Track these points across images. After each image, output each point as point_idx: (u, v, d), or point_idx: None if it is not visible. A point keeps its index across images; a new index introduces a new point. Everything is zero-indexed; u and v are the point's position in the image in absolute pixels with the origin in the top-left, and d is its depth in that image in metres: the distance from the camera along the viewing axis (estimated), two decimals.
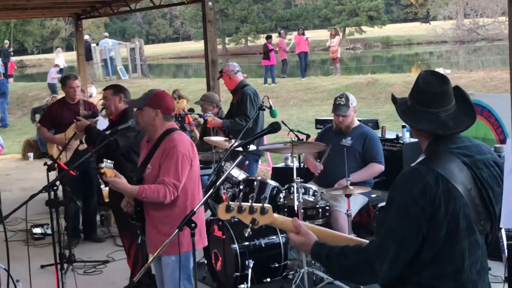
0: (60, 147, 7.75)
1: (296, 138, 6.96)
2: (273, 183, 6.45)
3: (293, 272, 6.24)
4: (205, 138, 7.58)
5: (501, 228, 3.00)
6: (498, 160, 2.91)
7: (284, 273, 6.38)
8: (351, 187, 6.08)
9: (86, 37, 27.68)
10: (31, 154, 14.67)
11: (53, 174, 5.85)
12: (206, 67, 9.97)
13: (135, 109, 5.01)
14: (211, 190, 4.35)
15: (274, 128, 4.18)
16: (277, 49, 24.98)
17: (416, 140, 7.75)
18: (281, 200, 6.34)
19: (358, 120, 7.02)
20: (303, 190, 6.20)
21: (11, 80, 28.40)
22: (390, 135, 8.28)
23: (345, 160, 6.18)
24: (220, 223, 6.22)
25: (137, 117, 4.92)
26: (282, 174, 8.21)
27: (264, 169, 10.80)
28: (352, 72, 29.76)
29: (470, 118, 2.87)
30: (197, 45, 48.10)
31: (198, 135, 9.39)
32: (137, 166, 5.13)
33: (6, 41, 32.98)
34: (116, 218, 6.63)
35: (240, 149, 4.09)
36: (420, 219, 2.66)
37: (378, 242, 2.71)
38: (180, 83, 25.28)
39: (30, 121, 15.97)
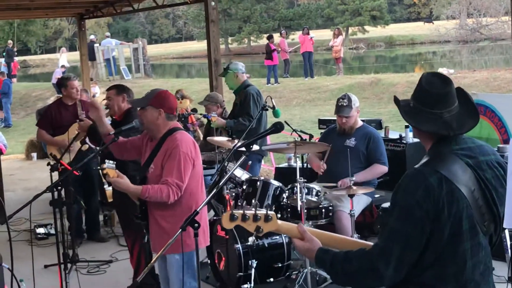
0: (61, 149, 7.75)
1: (299, 138, 6.96)
2: (276, 183, 6.45)
3: (296, 272, 6.24)
4: (209, 138, 7.58)
5: (505, 229, 2.99)
6: (501, 161, 2.90)
7: (287, 273, 6.39)
8: (354, 187, 6.07)
9: (92, 37, 27.76)
10: (34, 154, 14.69)
11: (56, 174, 5.86)
12: (209, 67, 9.98)
13: (138, 109, 5.01)
14: (214, 190, 4.35)
15: (277, 128, 4.17)
16: (279, 49, 24.97)
17: (419, 140, 7.76)
18: (284, 200, 6.34)
19: (361, 120, 7.02)
20: (306, 190, 6.20)
21: (14, 80, 28.46)
22: (393, 135, 8.28)
23: (348, 160, 6.19)
24: None
25: (140, 117, 4.92)
26: (285, 174, 8.21)
27: (267, 169, 10.80)
28: (355, 72, 29.74)
29: (474, 119, 2.87)
30: (200, 45, 48.09)
31: (201, 135, 9.40)
32: (140, 166, 5.14)
33: (10, 41, 33.04)
34: (119, 218, 6.63)
35: (243, 149, 4.09)
36: (423, 221, 2.66)
37: (382, 245, 2.71)
38: (183, 83, 25.31)
39: (35, 122, 15.97)
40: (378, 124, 8.49)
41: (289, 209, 6.21)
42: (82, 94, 8.71)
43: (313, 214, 6.22)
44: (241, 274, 6.10)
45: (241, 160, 4.08)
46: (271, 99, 7.18)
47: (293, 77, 25.95)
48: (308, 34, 25.26)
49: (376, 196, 7.02)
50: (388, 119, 14.45)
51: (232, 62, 8.10)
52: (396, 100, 3.01)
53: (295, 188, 6.15)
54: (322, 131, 7.68)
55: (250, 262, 6.07)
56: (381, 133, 8.22)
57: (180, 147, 4.71)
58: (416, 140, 7.86)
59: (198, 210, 3.84)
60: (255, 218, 2.96)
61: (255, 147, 6.55)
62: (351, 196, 6.10)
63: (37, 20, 49.89)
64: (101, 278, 7.08)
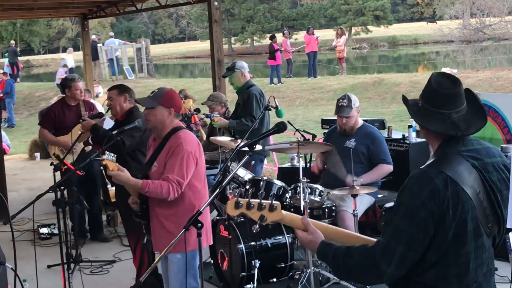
0: (63, 149, 7.75)
1: (302, 138, 6.96)
2: (279, 183, 6.45)
3: (299, 272, 6.23)
4: (212, 138, 7.58)
5: (509, 230, 2.99)
6: (507, 163, 2.90)
7: (291, 273, 6.38)
8: (357, 187, 6.07)
9: (93, 36, 27.81)
10: (37, 154, 14.70)
11: (59, 174, 5.87)
12: (212, 67, 9.97)
13: (144, 108, 4.97)
14: (217, 190, 4.35)
15: (280, 128, 4.18)
16: (282, 49, 24.96)
17: (422, 140, 7.75)
18: (287, 200, 6.33)
19: (363, 120, 7.01)
20: (309, 190, 6.20)
21: (17, 80, 28.52)
22: (396, 135, 8.27)
23: (351, 161, 6.18)
24: (226, 223, 6.22)
25: (149, 116, 4.89)
26: (288, 174, 8.21)
27: (270, 169, 10.80)
28: (358, 71, 29.72)
29: (481, 120, 2.86)
30: (203, 45, 48.17)
31: (204, 135, 9.40)
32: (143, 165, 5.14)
33: (12, 41, 33.11)
34: (122, 218, 6.64)
35: (246, 149, 4.09)
36: (428, 222, 2.66)
37: (385, 243, 2.72)
38: (186, 83, 25.32)
39: (38, 122, 15.99)
40: (381, 124, 8.48)
41: (292, 209, 6.20)
42: (85, 94, 8.69)
43: (316, 214, 6.21)
44: (244, 274, 6.10)
45: (244, 160, 4.08)
46: (274, 99, 7.18)
47: (296, 77, 25.95)
48: (313, 34, 25.25)
49: (379, 196, 7.01)
50: (391, 119, 14.44)
51: (236, 61, 8.08)
52: (404, 99, 3.01)
53: (298, 188, 6.14)
54: (325, 131, 7.68)
55: (253, 262, 6.07)
56: (384, 133, 8.22)
57: (183, 145, 4.72)
58: (419, 140, 7.85)
59: (201, 210, 3.84)
60: (260, 206, 2.98)
61: (258, 147, 6.55)
62: (354, 196, 6.10)
63: (40, 20, 49.96)
64: (104, 278, 7.09)
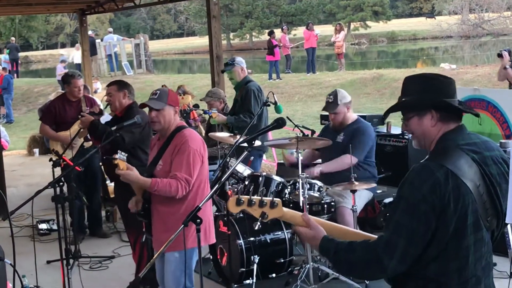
0: (64, 145, 7.75)
1: (301, 134, 6.96)
2: (278, 178, 6.45)
3: (298, 267, 6.24)
4: (210, 134, 7.58)
5: (507, 224, 3.00)
6: (506, 157, 2.91)
7: (290, 269, 6.39)
8: (356, 183, 6.07)
9: (90, 32, 27.75)
10: (36, 150, 14.70)
11: (58, 170, 5.86)
12: (210, 62, 9.96)
13: (153, 110, 4.93)
14: (216, 186, 4.35)
15: (279, 123, 4.18)
16: (281, 44, 24.94)
17: (426, 135, 7.73)
18: (286, 195, 6.33)
19: (361, 115, 7.00)
20: (308, 186, 6.20)
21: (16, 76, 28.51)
22: (395, 130, 8.27)
23: (340, 156, 6.22)
24: (225, 218, 6.23)
25: (157, 117, 4.85)
26: (287, 170, 8.20)
27: (269, 164, 10.80)
28: (357, 67, 29.71)
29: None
30: (202, 41, 48.13)
31: (203, 131, 9.40)
32: (143, 163, 5.14)
33: (13, 38, 33.14)
34: (122, 214, 6.64)
35: (245, 145, 4.09)
36: (429, 216, 2.66)
37: (387, 237, 2.72)
38: (184, 79, 25.30)
39: (37, 118, 15.97)
40: (380, 120, 8.48)
41: (291, 205, 6.20)
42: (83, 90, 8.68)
43: (315, 209, 6.21)
44: (243, 269, 6.11)
45: (243, 156, 4.08)
46: (273, 94, 7.17)
47: (295, 73, 25.93)
48: (312, 30, 25.23)
49: (378, 191, 7.02)
50: (390, 114, 14.39)
51: (236, 57, 8.08)
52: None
53: (297, 184, 6.14)
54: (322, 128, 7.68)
55: (252, 257, 6.08)
56: (383, 129, 8.22)
57: (189, 142, 4.73)
58: None
59: (200, 205, 3.84)
60: (261, 203, 2.98)
61: (257, 143, 6.55)
62: (353, 191, 6.10)
63: (38, 15, 49.94)
64: (103, 273, 7.09)
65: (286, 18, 52.65)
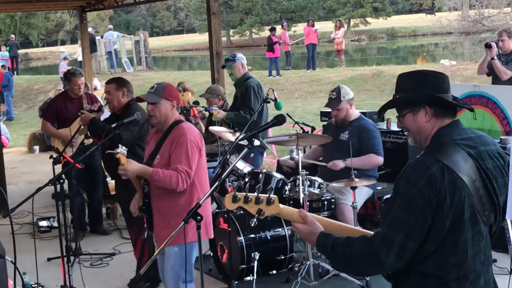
0: (65, 142, 7.76)
1: (301, 131, 6.96)
2: (278, 175, 6.45)
3: (299, 264, 6.25)
4: (211, 128, 7.56)
5: (506, 219, 3.01)
6: (501, 151, 2.93)
7: (290, 265, 6.40)
8: (356, 179, 6.08)
9: (90, 29, 27.76)
10: (37, 147, 14.70)
11: (59, 167, 5.87)
12: (210, 59, 9.96)
13: (148, 103, 4.96)
14: (217, 183, 4.35)
15: (279, 120, 4.18)
16: (281, 41, 24.92)
17: (422, 132, 7.74)
18: (287, 192, 6.34)
19: (362, 112, 7.00)
20: (308, 183, 6.21)
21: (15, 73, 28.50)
22: (395, 127, 8.27)
23: (344, 154, 6.21)
24: (225, 215, 6.23)
25: (153, 111, 4.88)
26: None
27: (269, 161, 10.80)
28: (357, 63, 29.71)
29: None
30: (202, 38, 48.12)
31: (203, 127, 9.40)
32: (141, 159, 5.14)
33: (13, 35, 33.15)
34: (123, 210, 6.64)
35: (245, 142, 4.10)
36: (426, 210, 2.67)
37: (383, 232, 2.73)
38: (185, 76, 25.30)
39: (37, 115, 15.98)
40: (381, 116, 8.47)
41: (291, 202, 6.21)
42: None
43: (316, 206, 6.22)
44: (244, 266, 6.11)
45: (243, 153, 4.08)
46: (273, 91, 7.17)
47: (295, 69, 25.92)
48: (313, 26, 25.20)
49: (378, 188, 7.02)
50: (390, 111, 14.37)
51: (237, 53, 8.07)
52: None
53: (297, 181, 6.15)
54: (324, 123, 7.68)
55: (252, 254, 6.08)
56: (383, 125, 8.22)
57: (187, 135, 4.74)
58: None
59: (200, 202, 3.85)
60: (257, 200, 2.99)
61: (256, 143, 6.55)
62: (353, 188, 6.10)
63: (38, 13, 49.89)
64: (104, 270, 7.10)
65: (286, 14, 52.63)
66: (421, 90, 2.87)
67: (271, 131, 9.32)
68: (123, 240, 7.92)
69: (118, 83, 6.33)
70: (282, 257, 6.33)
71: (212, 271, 6.63)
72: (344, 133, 6.69)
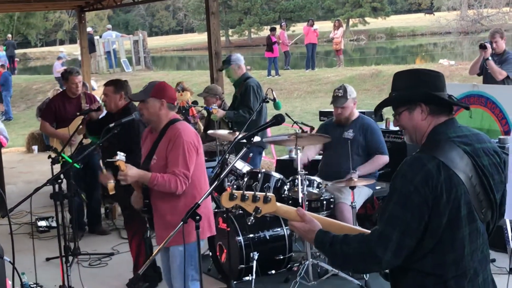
0: (63, 142, 7.75)
1: (300, 130, 6.96)
2: (277, 175, 6.45)
3: (297, 264, 6.25)
4: (210, 131, 7.57)
5: (503, 217, 3.01)
6: (497, 149, 2.94)
7: (289, 265, 6.40)
8: (355, 179, 6.07)
9: (89, 29, 27.77)
10: (35, 147, 14.69)
11: (57, 167, 5.86)
12: (209, 59, 9.96)
13: (138, 103, 5.00)
14: (216, 182, 4.35)
15: (278, 120, 4.18)
16: (280, 41, 24.93)
17: (418, 129, 7.74)
18: (286, 192, 6.34)
19: (360, 112, 7.01)
20: (307, 182, 6.20)
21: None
22: (394, 127, 8.26)
23: (349, 152, 6.20)
24: (224, 215, 6.23)
25: (142, 110, 4.90)
26: (286, 167, 8.20)
27: (268, 161, 10.80)
28: (356, 63, 29.70)
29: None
30: (201, 37, 48.07)
31: (202, 127, 9.39)
32: (140, 158, 5.13)
33: (9, 35, 33.13)
34: (122, 210, 6.64)
35: (244, 141, 4.09)
36: (422, 207, 2.68)
37: (380, 230, 2.74)
38: (183, 75, 25.28)
39: (35, 115, 15.98)
40: (379, 116, 8.46)
41: (290, 201, 6.21)
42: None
43: (314, 206, 6.22)
44: (243, 266, 6.11)
45: (242, 153, 4.08)
46: (272, 91, 7.17)
47: (294, 69, 25.92)
48: (312, 26, 25.22)
49: (377, 188, 7.01)
50: (388, 110, 14.36)
51: (232, 54, 8.08)
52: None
53: (296, 180, 6.14)
54: (321, 124, 7.67)
55: (251, 254, 6.08)
56: (382, 125, 8.22)
57: (182, 136, 4.72)
58: None
59: (199, 202, 3.84)
60: (254, 198, 2.99)
61: (256, 139, 6.55)
62: (352, 188, 6.10)
63: (37, 12, 49.83)
64: (102, 270, 7.09)
65: (284, 14, 52.61)
66: (417, 88, 2.89)
67: (270, 131, 9.32)
68: (121, 240, 7.91)
69: (116, 86, 6.32)
70: (281, 257, 6.32)
71: (211, 271, 6.63)
72: (348, 131, 6.69)
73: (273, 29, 25.20)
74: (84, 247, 7.51)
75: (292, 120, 7.14)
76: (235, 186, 6.53)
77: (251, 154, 7.32)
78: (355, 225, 6.06)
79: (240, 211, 6.28)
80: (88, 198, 8.25)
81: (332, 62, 28.54)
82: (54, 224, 8.46)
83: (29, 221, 8.28)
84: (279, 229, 6.38)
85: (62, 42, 62.98)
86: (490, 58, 8.23)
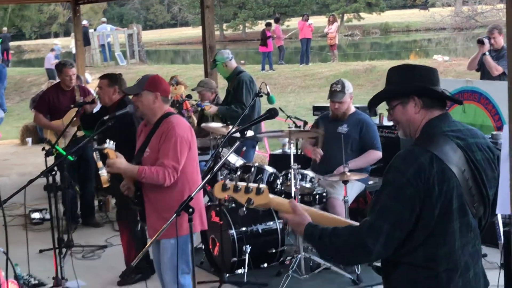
0: (57, 134, 7.75)
1: (293, 125, 6.98)
2: (270, 169, 6.47)
3: (290, 257, 6.27)
4: (203, 124, 7.58)
5: (496, 214, 3.03)
6: (491, 144, 2.95)
7: (281, 259, 6.42)
8: (348, 174, 6.10)
9: (84, 22, 27.71)
10: (29, 139, 14.66)
11: (51, 159, 5.87)
12: (204, 53, 9.96)
13: (132, 96, 5.01)
14: (208, 176, 4.36)
15: (272, 114, 4.20)
16: (274, 35, 24.92)
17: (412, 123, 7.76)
18: (278, 186, 6.36)
19: (355, 107, 7.03)
20: (300, 177, 6.23)
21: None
22: (387, 122, 8.28)
23: (342, 147, 6.21)
24: (217, 209, 6.25)
25: (136, 103, 4.92)
26: (279, 161, 8.23)
27: (261, 155, 10.81)
28: (350, 58, 29.71)
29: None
30: (195, 31, 47.94)
31: (195, 121, 9.40)
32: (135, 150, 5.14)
33: (5, 28, 33.02)
34: (116, 203, 6.65)
35: (238, 135, 4.11)
36: (414, 199, 2.70)
37: (371, 221, 2.75)
38: (178, 69, 25.24)
39: (29, 107, 15.93)
40: (373, 111, 8.49)
41: (283, 195, 6.23)
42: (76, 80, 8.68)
43: (307, 200, 6.24)
44: (235, 259, 6.13)
45: (235, 146, 4.10)
46: (266, 85, 7.18)
47: (288, 64, 25.91)
48: (307, 20, 25.22)
49: (370, 182, 7.03)
50: (382, 105, 14.34)
51: (217, 53, 8.13)
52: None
53: (289, 174, 6.17)
54: (317, 117, 7.69)
55: (244, 247, 6.11)
56: (376, 120, 8.24)
57: (176, 129, 4.73)
58: None
59: (192, 195, 3.86)
60: (247, 189, 3.01)
61: (250, 133, 6.57)
62: (345, 182, 6.12)
63: (31, 5, 49.66)
64: (96, 263, 7.10)
65: (279, 9, 52.49)
66: (410, 82, 2.91)
67: (264, 125, 9.33)
68: (115, 232, 7.91)
69: (110, 80, 6.34)
70: (274, 251, 6.35)
71: (204, 264, 6.65)
72: (343, 126, 6.71)
73: (268, 24, 25.20)
74: (78, 239, 7.51)
75: (286, 114, 7.16)
76: (227, 180, 6.53)
77: (244, 148, 7.34)
78: (347, 219, 6.09)
79: (233, 205, 6.30)
80: (81, 190, 8.26)
81: (326, 57, 28.54)
82: (47, 216, 8.45)
83: (23, 213, 8.28)
84: (271, 222, 6.41)
85: (56, 35, 62.72)
86: (487, 53, 8.27)
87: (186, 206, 3.81)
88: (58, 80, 8.41)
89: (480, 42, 8.35)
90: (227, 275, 6.16)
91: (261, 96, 7.24)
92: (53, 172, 5.34)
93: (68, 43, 29.95)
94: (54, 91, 8.12)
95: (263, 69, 23.71)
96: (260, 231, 6.36)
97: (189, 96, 9.20)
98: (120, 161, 4.69)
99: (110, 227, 8.23)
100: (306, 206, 3.08)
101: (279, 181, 6.39)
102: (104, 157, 4.86)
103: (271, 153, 9.41)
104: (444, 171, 2.71)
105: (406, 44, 40.43)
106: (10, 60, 32.97)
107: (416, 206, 2.70)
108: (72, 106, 7.26)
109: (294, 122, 7.17)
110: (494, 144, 3.03)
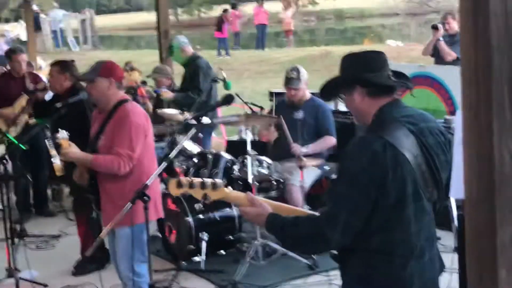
0: (8, 122, 7.60)
1: (250, 111, 6.96)
2: (227, 156, 6.45)
3: (247, 244, 6.27)
4: (159, 111, 7.51)
5: (449, 198, 3.06)
6: (442, 128, 2.98)
7: (238, 245, 6.42)
8: (304, 159, 6.11)
9: (35, 7, 27.19)
10: None
11: (2, 148, 5.76)
12: (158, 38, 9.86)
13: (86, 83, 4.92)
14: (164, 163, 4.32)
15: (228, 100, 4.18)
16: (230, 19, 24.86)
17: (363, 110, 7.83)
18: (236, 173, 6.34)
19: (311, 93, 7.05)
20: (257, 163, 6.22)
21: None
22: (343, 107, 8.32)
23: (298, 133, 6.22)
24: (174, 196, 6.20)
25: (90, 90, 4.83)
26: (236, 147, 8.20)
27: (217, 141, 10.78)
28: (305, 44, 29.81)
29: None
30: (149, 16, 47.48)
31: (151, 107, 9.31)
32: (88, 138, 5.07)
33: None
34: (71, 192, 6.56)
35: (194, 122, 4.07)
36: (369, 187, 2.70)
37: (329, 210, 2.76)
38: (132, 55, 24.99)
39: None
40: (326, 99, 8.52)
41: (240, 182, 6.22)
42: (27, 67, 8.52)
43: (265, 186, 6.24)
44: (192, 246, 6.11)
45: (190, 133, 4.07)
46: (222, 71, 7.15)
47: (244, 49, 25.88)
48: (262, 6, 25.21)
49: (326, 168, 7.07)
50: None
51: (173, 38, 8.07)
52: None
53: (246, 161, 6.15)
54: (273, 103, 7.69)
55: (201, 234, 6.08)
56: (331, 106, 8.27)
57: (131, 117, 4.66)
58: None
59: (147, 183, 3.82)
60: (203, 185, 2.98)
61: (206, 120, 6.53)
62: (302, 168, 6.13)
63: None
64: (50, 253, 7.01)
65: None
66: (351, 71, 2.92)
67: (220, 111, 9.30)
68: (69, 222, 7.80)
69: (61, 67, 6.24)
70: (231, 238, 6.34)
71: (160, 252, 6.60)
72: (298, 112, 6.72)
73: (225, 10, 25.12)
74: (31, 230, 7.40)
75: (242, 100, 7.14)
76: (184, 167, 6.50)
77: (200, 135, 7.30)
78: (304, 205, 6.11)
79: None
80: (34, 180, 8.12)
81: (282, 42, 28.58)
82: None
83: None
84: (228, 209, 6.39)
85: (7, 21, 61.50)
86: (441, 39, 8.38)
87: (142, 194, 3.76)
88: (8, 67, 8.24)
89: (434, 28, 8.46)
90: (184, 262, 6.13)
91: (217, 82, 7.22)
92: (5, 161, 5.24)
93: (18, 29, 29.37)
94: (4, 78, 7.97)
95: (219, 54, 23.63)
96: (218, 218, 6.34)
97: (143, 83, 9.12)
98: (73, 151, 4.61)
99: (64, 217, 8.11)
100: (263, 198, 3.07)
101: (236, 167, 6.37)
102: (57, 145, 4.77)
103: (228, 139, 9.39)
104: (397, 156, 2.72)
105: (361, 30, 40.72)
106: None
107: (372, 193, 2.71)
108: (23, 93, 7.12)
109: (250, 108, 7.16)
110: (447, 129, 3.07)
